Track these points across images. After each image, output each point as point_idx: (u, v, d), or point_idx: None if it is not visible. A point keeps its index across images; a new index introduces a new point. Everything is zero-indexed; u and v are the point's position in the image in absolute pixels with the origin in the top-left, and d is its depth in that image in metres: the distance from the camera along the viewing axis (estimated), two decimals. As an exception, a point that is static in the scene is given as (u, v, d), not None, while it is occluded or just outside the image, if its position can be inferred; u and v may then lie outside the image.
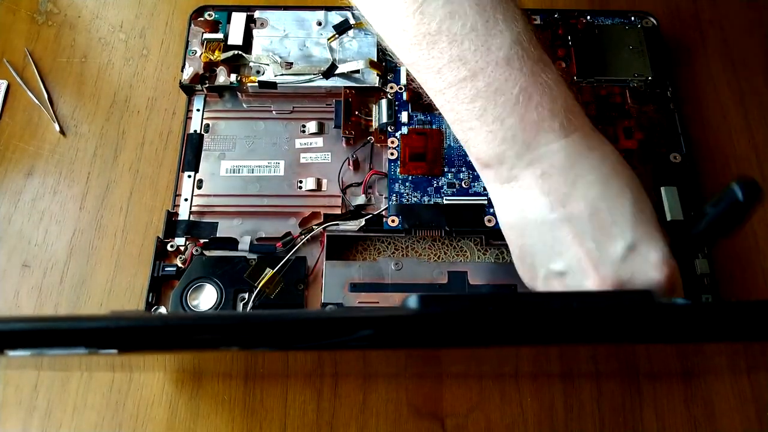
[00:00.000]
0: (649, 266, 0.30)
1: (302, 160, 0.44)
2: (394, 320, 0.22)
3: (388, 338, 0.22)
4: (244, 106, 0.46)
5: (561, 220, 0.31)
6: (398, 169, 0.43)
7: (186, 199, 0.43)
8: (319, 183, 0.43)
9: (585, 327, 0.23)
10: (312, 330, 0.22)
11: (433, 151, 0.43)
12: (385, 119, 0.44)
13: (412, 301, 0.22)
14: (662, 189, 0.42)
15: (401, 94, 0.45)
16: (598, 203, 0.30)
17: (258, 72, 0.46)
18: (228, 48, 0.46)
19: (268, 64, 0.46)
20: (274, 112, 0.46)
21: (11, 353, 0.21)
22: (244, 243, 0.41)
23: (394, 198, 0.42)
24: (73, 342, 0.21)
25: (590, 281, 0.30)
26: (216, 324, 0.22)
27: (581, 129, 0.31)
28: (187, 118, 0.46)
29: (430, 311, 0.22)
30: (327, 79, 0.46)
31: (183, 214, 0.42)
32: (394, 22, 0.33)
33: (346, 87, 0.45)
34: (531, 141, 0.31)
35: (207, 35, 0.47)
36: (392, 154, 0.43)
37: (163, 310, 0.39)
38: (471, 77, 0.31)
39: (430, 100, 0.34)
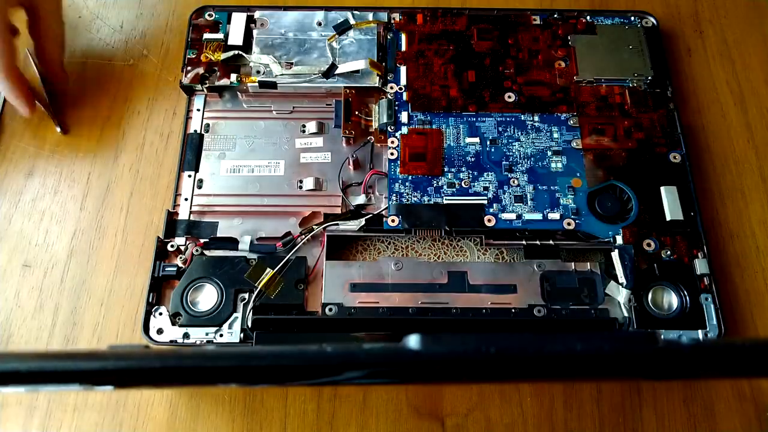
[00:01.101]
0: None
1: (302, 160, 0.44)
2: (394, 360, 0.22)
3: (387, 377, 0.22)
4: (245, 106, 0.46)
5: None
6: (398, 169, 0.43)
7: (186, 199, 0.43)
8: (319, 183, 0.44)
9: (588, 368, 0.22)
10: (310, 369, 0.22)
11: (433, 151, 0.44)
12: (385, 119, 0.44)
13: (413, 340, 0.22)
14: (662, 189, 0.42)
15: (401, 94, 0.46)
16: None
17: (258, 72, 0.46)
18: (228, 48, 0.47)
19: (268, 64, 0.46)
20: (274, 112, 0.46)
21: (4, 389, 0.21)
22: (245, 243, 0.41)
23: (394, 198, 0.42)
24: (68, 379, 0.21)
25: None
26: (211, 364, 0.22)
27: None
28: (188, 118, 0.46)
29: (431, 352, 0.22)
30: (327, 79, 0.46)
31: (183, 213, 0.43)
32: None
33: (346, 87, 0.45)
34: None
35: (207, 35, 0.47)
36: (392, 154, 0.44)
37: (163, 309, 0.39)
38: None
39: None
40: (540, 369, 0.22)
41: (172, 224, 0.42)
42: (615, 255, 0.40)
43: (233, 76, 0.46)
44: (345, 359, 0.22)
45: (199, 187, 0.43)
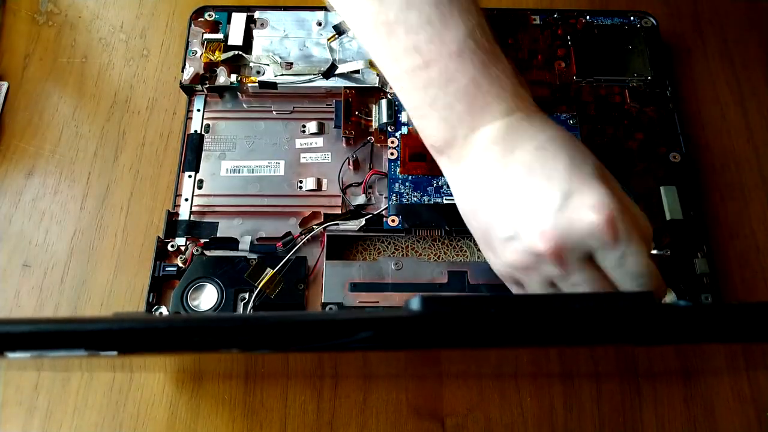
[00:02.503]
0: (585, 210, 0.30)
1: (302, 160, 0.44)
2: (396, 321, 0.22)
3: (390, 339, 0.22)
4: (245, 106, 0.46)
5: (503, 186, 0.32)
6: (398, 169, 0.43)
7: (186, 199, 0.43)
8: (319, 183, 0.44)
9: (586, 328, 0.23)
10: (313, 332, 0.22)
11: (433, 151, 0.43)
12: (385, 119, 0.44)
13: (415, 302, 0.23)
14: (662, 189, 0.43)
15: (401, 94, 0.45)
16: (533, 164, 0.32)
17: (258, 72, 0.46)
18: (228, 48, 0.47)
19: (268, 65, 0.46)
20: (274, 112, 0.46)
21: (11, 355, 0.21)
22: (245, 243, 0.41)
23: (394, 198, 0.42)
24: (74, 344, 0.21)
25: (532, 238, 0.31)
26: (216, 326, 0.22)
27: (524, 110, 0.33)
28: (188, 118, 0.46)
29: (432, 312, 0.22)
30: (327, 79, 0.46)
31: (183, 214, 0.43)
32: (355, 8, 0.34)
33: (346, 87, 0.45)
34: (477, 124, 0.33)
35: (207, 35, 0.47)
36: (392, 153, 0.44)
37: (163, 309, 0.39)
38: (425, 66, 0.33)
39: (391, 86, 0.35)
40: (539, 329, 0.22)
41: (172, 224, 0.42)
42: None
43: (233, 77, 0.46)
44: (348, 321, 0.22)
45: (200, 188, 0.43)
